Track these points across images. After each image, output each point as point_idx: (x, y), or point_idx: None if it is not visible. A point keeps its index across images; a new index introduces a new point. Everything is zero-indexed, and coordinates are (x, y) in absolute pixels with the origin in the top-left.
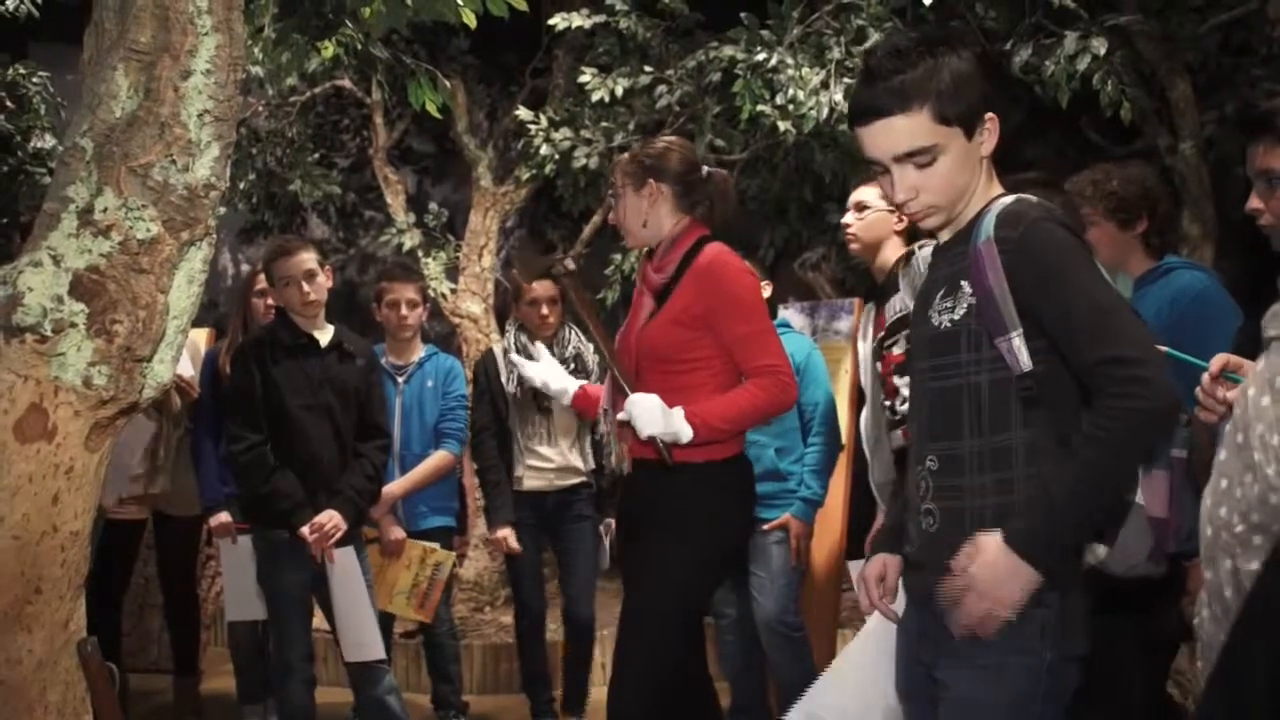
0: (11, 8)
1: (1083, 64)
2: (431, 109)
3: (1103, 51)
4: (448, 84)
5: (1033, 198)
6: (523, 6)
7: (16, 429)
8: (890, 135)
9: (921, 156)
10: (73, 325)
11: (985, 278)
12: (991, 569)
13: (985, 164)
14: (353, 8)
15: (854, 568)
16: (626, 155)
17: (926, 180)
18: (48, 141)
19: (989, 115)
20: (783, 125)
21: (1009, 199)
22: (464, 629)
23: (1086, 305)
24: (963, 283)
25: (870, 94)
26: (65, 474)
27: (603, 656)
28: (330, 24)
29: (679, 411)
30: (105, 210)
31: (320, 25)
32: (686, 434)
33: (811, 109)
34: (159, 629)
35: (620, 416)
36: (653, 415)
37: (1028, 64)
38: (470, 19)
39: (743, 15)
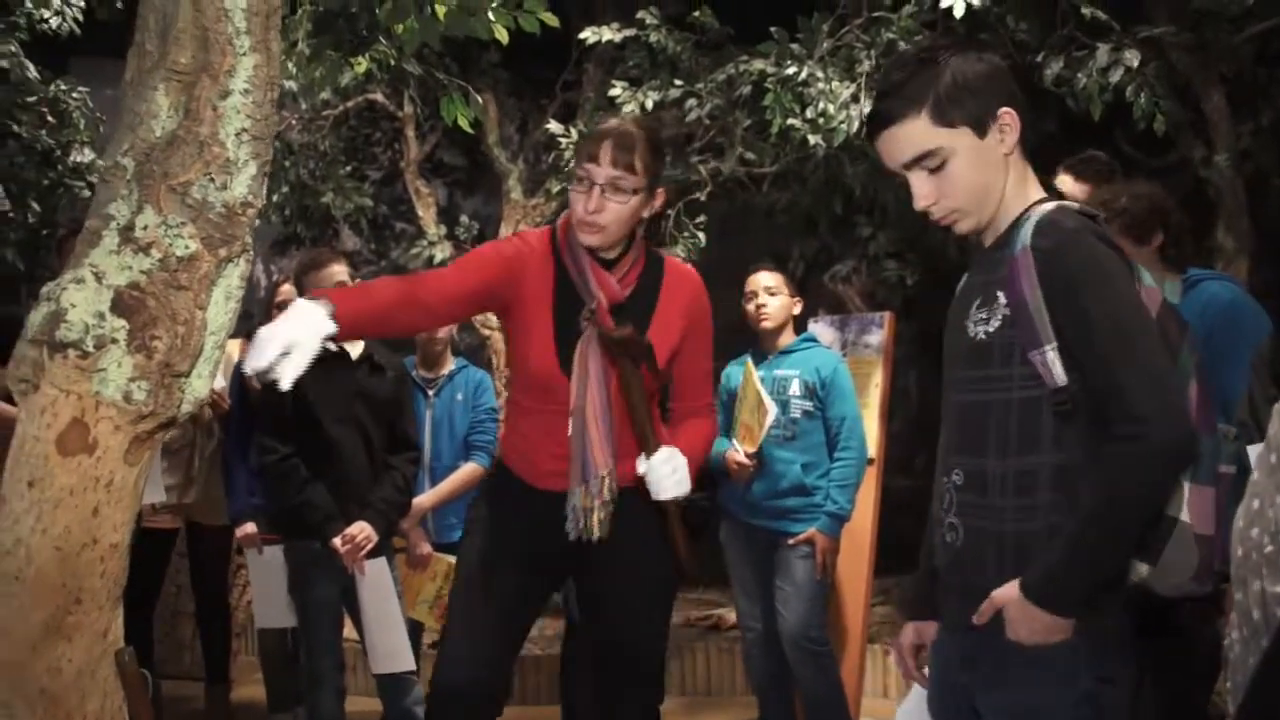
0: (55, 26)
1: (1115, 76)
2: (464, 124)
3: (1135, 63)
4: (479, 99)
5: (1074, 205)
6: (554, 23)
7: (59, 443)
8: (895, 143)
9: (928, 160)
10: (114, 341)
11: (1020, 288)
12: (1021, 625)
13: (1012, 161)
14: (386, 24)
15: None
16: (642, 138)
17: (942, 185)
18: (87, 155)
19: (1004, 110)
20: (813, 139)
21: (1049, 206)
22: None
23: (1104, 327)
24: (999, 293)
25: (877, 106)
26: (105, 487)
27: None
28: (364, 40)
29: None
30: (145, 228)
31: (354, 41)
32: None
33: (842, 122)
34: (191, 637)
35: (641, 469)
36: (685, 476)
37: (1059, 76)
38: (503, 35)
39: (772, 29)
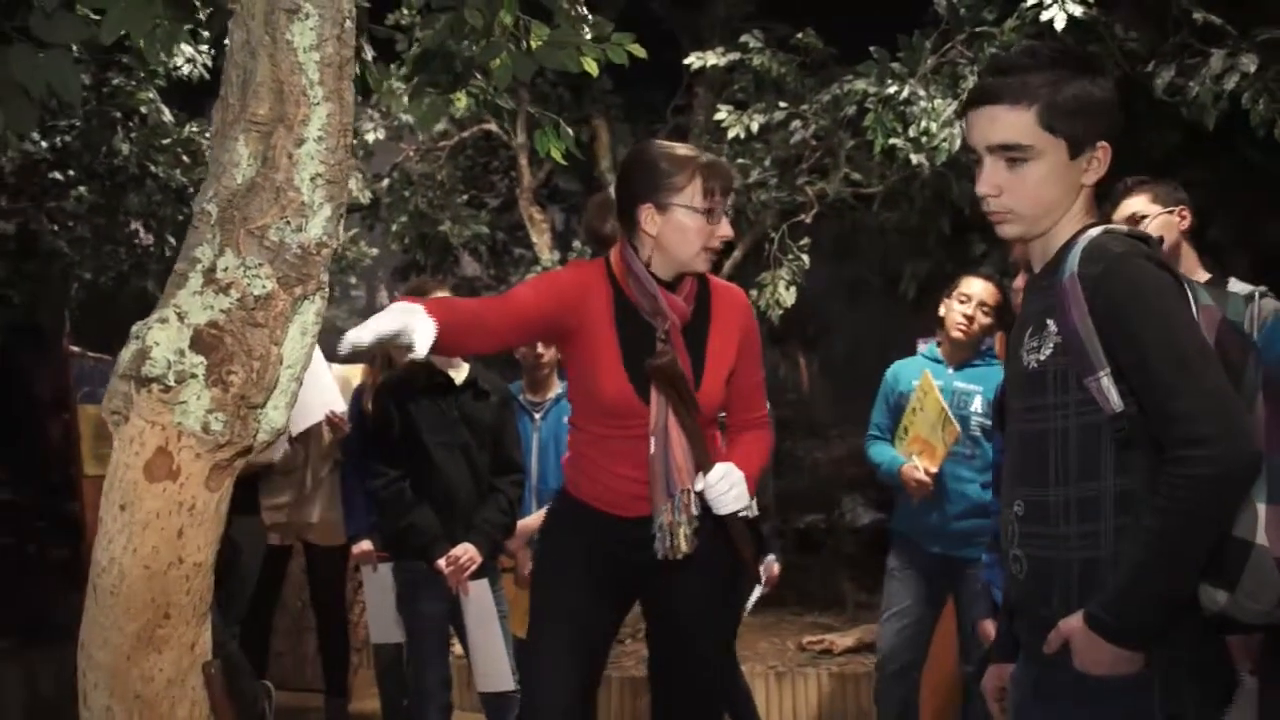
0: (187, 73)
1: (1230, 83)
2: (556, 155)
3: (1253, 69)
4: (569, 131)
5: (1122, 228)
6: (641, 54)
7: (146, 470)
8: (991, 123)
9: (1015, 153)
10: (193, 376)
11: (1070, 316)
12: (1087, 655)
13: (1086, 193)
14: (480, 62)
15: None
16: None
17: (1013, 181)
18: None
19: (1102, 144)
20: (915, 158)
21: (1096, 230)
22: None
23: (1159, 354)
24: (1049, 321)
25: (988, 81)
26: (188, 511)
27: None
28: (459, 77)
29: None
30: (226, 269)
31: (451, 78)
32: (748, 499)
33: (944, 140)
34: (313, 651)
35: (699, 487)
36: (743, 490)
37: (1171, 85)
38: (593, 68)
39: (872, 49)
